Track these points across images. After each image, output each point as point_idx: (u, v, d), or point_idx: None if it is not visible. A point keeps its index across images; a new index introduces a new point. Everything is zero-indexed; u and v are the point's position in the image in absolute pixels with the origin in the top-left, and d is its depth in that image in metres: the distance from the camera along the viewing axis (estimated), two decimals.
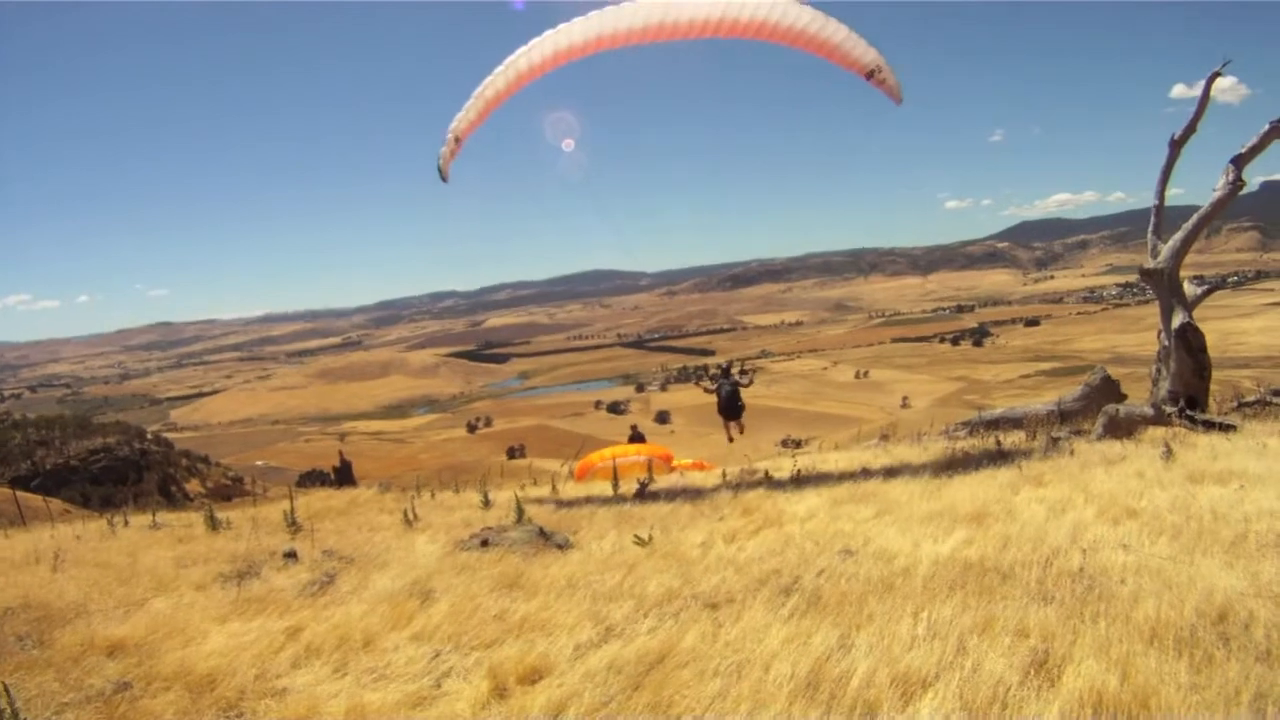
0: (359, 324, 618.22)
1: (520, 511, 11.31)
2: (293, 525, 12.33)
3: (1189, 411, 14.71)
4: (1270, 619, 5.16)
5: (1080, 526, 8.07)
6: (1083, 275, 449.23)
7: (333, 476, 31.19)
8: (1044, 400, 20.91)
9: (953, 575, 6.67)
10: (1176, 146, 17.20)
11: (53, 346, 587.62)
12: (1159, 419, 14.85)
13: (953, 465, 13.05)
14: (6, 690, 4.52)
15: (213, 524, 12.89)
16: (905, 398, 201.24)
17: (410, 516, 12.62)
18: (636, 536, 9.46)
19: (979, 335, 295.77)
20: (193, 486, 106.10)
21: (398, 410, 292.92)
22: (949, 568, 6.93)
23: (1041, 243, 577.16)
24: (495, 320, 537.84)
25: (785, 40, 12.83)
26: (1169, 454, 11.70)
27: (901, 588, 6.48)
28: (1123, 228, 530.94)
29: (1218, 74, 16.76)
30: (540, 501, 14.10)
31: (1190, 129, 17.06)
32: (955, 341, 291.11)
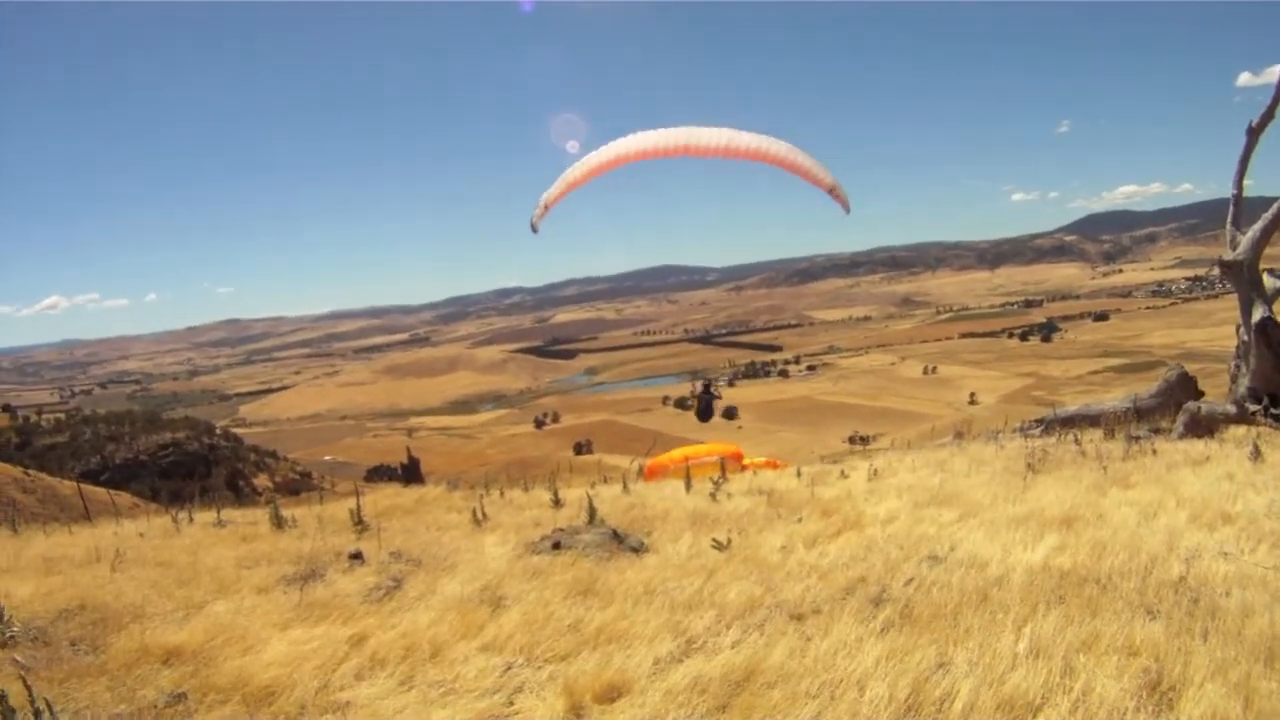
0: (426, 320, 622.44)
1: (592, 512, 11.12)
2: (359, 524, 12.18)
3: (1274, 410, 14.32)
4: None
5: (1175, 532, 7.85)
6: (1151, 269, 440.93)
7: (400, 472, 31.36)
8: (1117, 397, 20.56)
9: (1049, 585, 6.42)
10: (1254, 134, 16.78)
11: (122, 344, 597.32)
12: (1242, 417, 14.51)
13: (1033, 465, 12.76)
14: (49, 707, 4.36)
15: (278, 522, 12.75)
16: (973, 394, 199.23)
17: (479, 516, 12.44)
18: (714, 540, 9.27)
19: (1047, 330, 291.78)
20: (261, 481, 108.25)
21: (465, 406, 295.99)
22: (1044, 577, 6.67)
23: (1109, 235, 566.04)
24: (562, 316, 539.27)
25: (771, 162, 16.59)
26: (1257, 454, 11.37)
27: (997, 599, 6.19)
28: (1191, 220, 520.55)
29: None
30: (612, 501, 13.91)
31: (1269, 115, 16.63)
32: (1024, 337, 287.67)
